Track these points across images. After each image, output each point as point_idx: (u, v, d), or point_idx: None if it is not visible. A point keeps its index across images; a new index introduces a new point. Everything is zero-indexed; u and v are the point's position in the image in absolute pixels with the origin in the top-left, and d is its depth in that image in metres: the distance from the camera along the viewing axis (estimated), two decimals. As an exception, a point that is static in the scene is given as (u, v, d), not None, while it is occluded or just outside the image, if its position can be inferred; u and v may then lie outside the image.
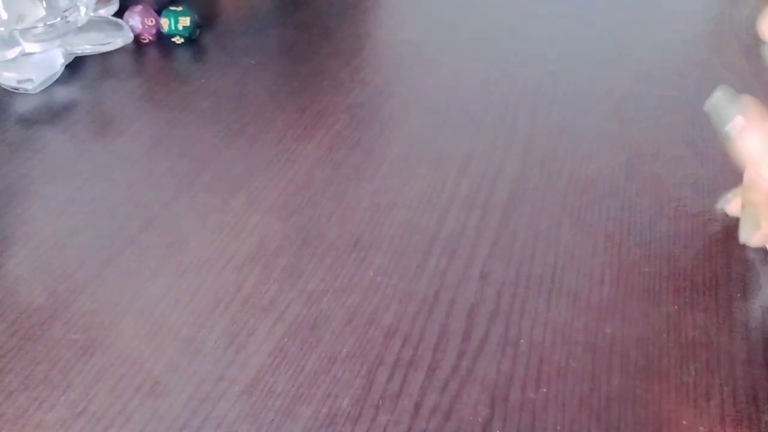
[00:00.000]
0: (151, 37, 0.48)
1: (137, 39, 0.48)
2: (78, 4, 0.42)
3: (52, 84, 0.44)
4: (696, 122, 0.41)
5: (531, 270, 0.32)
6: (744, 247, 0.33)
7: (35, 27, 0.40)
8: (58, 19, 0.41)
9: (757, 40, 0.29)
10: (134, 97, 0.44)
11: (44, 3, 0.44)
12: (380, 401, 0.27)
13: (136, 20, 0.48)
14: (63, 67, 0.44)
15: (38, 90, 0.43)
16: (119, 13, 0.48)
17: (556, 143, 0.40)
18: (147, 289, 0.31)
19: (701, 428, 0.26)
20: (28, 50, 0.41)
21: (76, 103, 0.43)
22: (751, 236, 0.32)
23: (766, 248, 0.32)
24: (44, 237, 0.33)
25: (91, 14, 0.44)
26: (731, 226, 0.33)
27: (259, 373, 0.27)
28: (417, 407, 0.26)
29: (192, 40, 0.48)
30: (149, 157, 0.39)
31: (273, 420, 0.26)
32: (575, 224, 0.34)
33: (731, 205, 0.34)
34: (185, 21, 0.48)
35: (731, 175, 0.33)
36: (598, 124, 0.42)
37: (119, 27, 0.47)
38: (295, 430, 0.26)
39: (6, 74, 0.43)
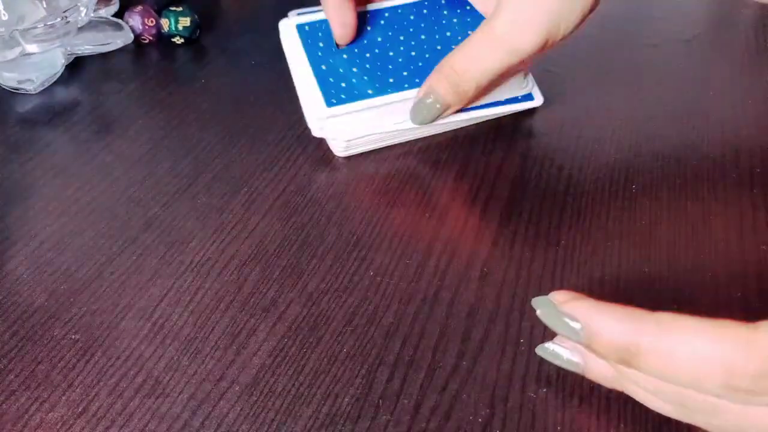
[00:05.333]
0: (151, 38, 0.48)
1: (137, 39, 0.48)
2: (78, 4, 0.42)
3: (53, 84, 0.44)
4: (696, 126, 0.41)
5: (531, 270, 0.32)
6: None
7: (35, 27, 0.40)
8: (58, 19, 0.41)
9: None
10: (134, 97, 0.44)
11: (44, 3, 0.44)
12: (380, 401, 0.27)
13: (137, 20, 0.48)
14: (63, 68, 0.44)
15: (38, 90, 0.43)
16: (119, 14, 0.48)
17: (556, 143, 0.40)
18: (147, 289, 0.31)
19: (702, 429, 0.26)
20: (28, 51, 0.41)
21: (76, 104, 0.43)
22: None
23: None
24: (44, 237, 0.33)
25: (92, 15, 0.45)
26: None
27: (259, 373, 0.27)
28: (417, 407, 0.26)
29: (192, 40, 0.48)
30: (149, 157, 0.39)
31: (273, 420, 0.26)
32: (575, 224, 0.34)
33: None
34: (185, 21, 0.48)
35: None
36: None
37: (119, 27, 0.47)
38: (295, 430, 0.26)
39: (6, 74, 0.43)
